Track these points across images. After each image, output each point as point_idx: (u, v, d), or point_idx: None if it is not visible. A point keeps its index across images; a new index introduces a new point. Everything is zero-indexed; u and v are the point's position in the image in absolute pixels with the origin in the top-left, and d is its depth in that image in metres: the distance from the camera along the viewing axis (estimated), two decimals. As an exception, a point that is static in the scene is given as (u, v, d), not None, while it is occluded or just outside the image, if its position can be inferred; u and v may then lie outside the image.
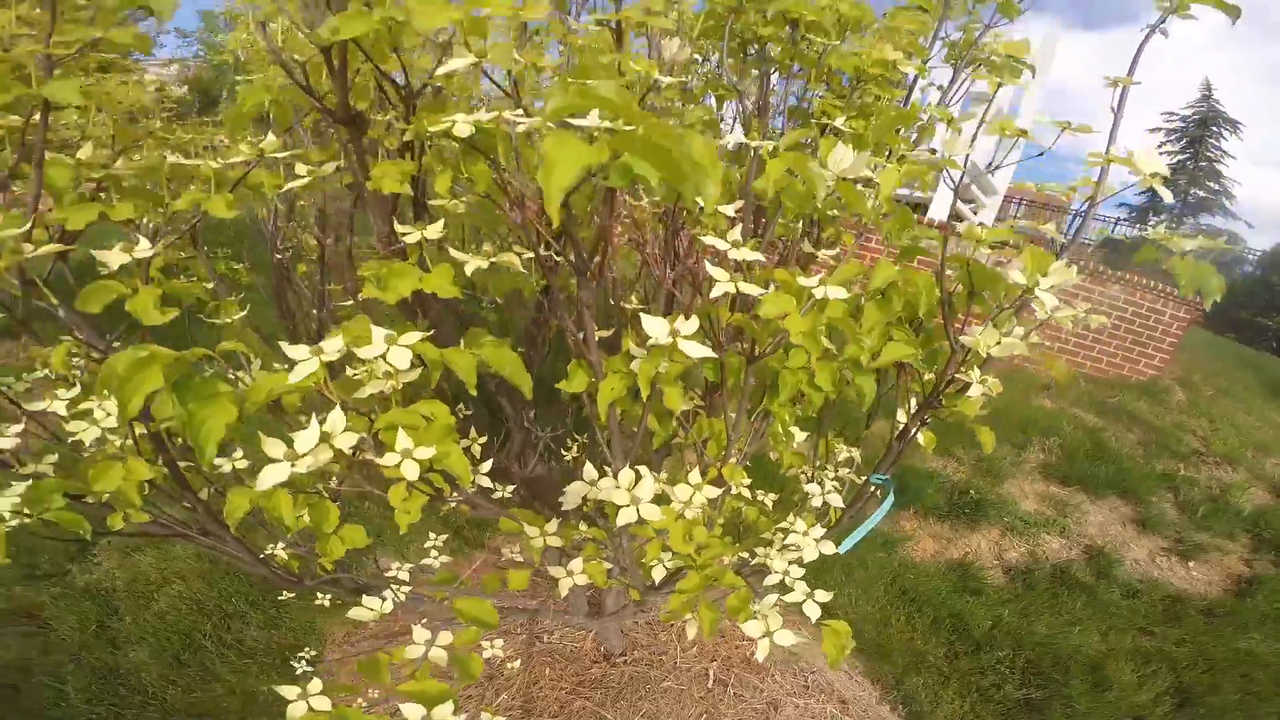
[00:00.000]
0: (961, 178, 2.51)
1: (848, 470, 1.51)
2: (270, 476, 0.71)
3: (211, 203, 0.90)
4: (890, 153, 1.18)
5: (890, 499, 1.32)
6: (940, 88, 1.79)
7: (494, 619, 0.97)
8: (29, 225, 0.83)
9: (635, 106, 0.66)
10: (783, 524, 1.26)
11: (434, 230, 0.94)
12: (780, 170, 0.97)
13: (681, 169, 0.62)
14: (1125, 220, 18.64)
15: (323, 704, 0.84)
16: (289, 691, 0.86)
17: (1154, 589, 3.35)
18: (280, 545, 1.50)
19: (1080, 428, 4.56)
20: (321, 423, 0.73)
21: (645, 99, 1.08)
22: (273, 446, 0.72)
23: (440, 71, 0.89)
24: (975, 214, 7.07)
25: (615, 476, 0.99)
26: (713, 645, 2.57)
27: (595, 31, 1.24)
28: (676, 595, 1.03)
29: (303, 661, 2.38)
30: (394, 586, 1.26)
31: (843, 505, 1.38)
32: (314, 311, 1.71)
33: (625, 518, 0.95)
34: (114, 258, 0.83)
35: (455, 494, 1.10)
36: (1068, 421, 4.60)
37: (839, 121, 1.30)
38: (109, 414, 1.03)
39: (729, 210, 1.08)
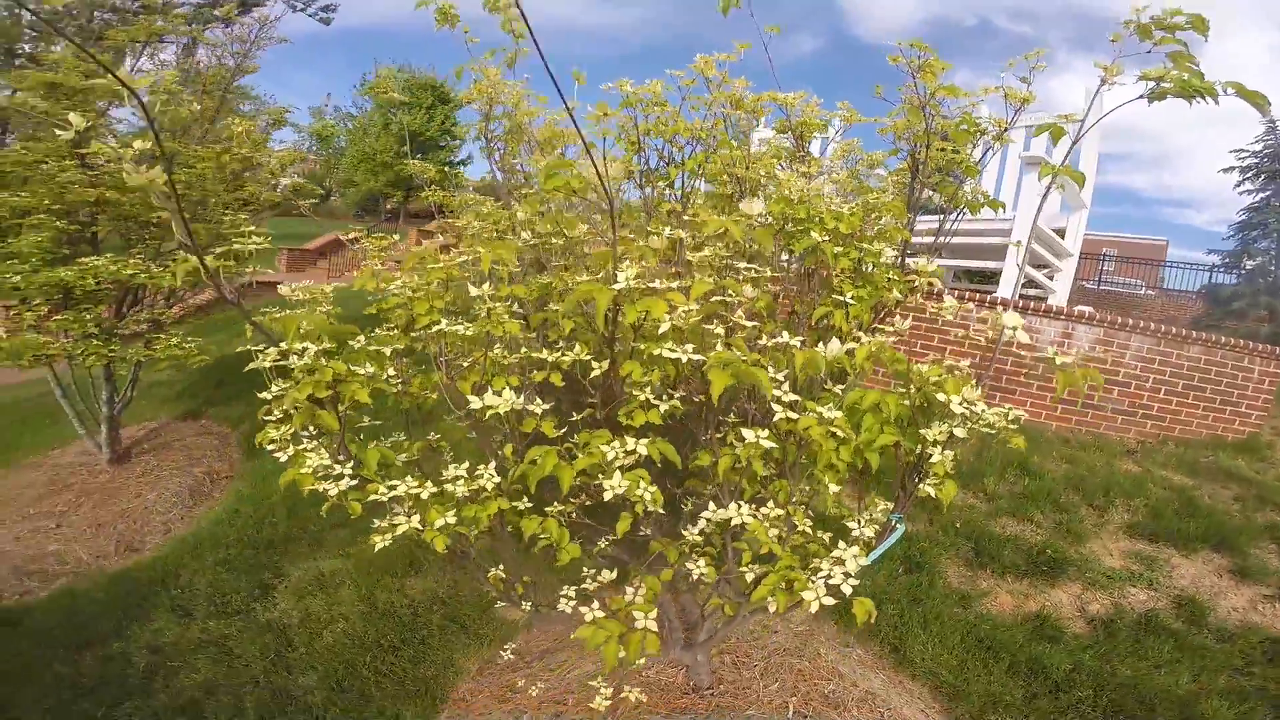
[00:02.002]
0: (1025, 247, 2.85)
1: (882, 514, 2.05)
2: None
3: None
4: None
5: (902, 528, 1.90)
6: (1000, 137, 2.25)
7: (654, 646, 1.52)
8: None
9: (745, 365, 1.49)
10: (834, 550, 1.74)
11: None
12: (804, 359, 1.68)
13: (755, 377, 1.35)
14: (1219, 267, 17.69)
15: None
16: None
17: (1252, 633, 3.29)
18: (499, 567, 2.03)
19: (1168, 488, 4.54)
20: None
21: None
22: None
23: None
24: (1051, 278, 7.15)
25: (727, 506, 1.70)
26: (793, 681, 2.82)
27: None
28: (763, 586, 1.60)
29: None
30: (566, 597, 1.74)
31: (872, 536, 1.92)
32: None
33: (736, 520, 1.64)
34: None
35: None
36: (1155, 483, 4.58)
37: (848, 296, 1.91)
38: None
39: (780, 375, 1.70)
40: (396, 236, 2.45)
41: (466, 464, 1.75)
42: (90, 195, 4.46)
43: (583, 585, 2.05)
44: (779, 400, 1.62)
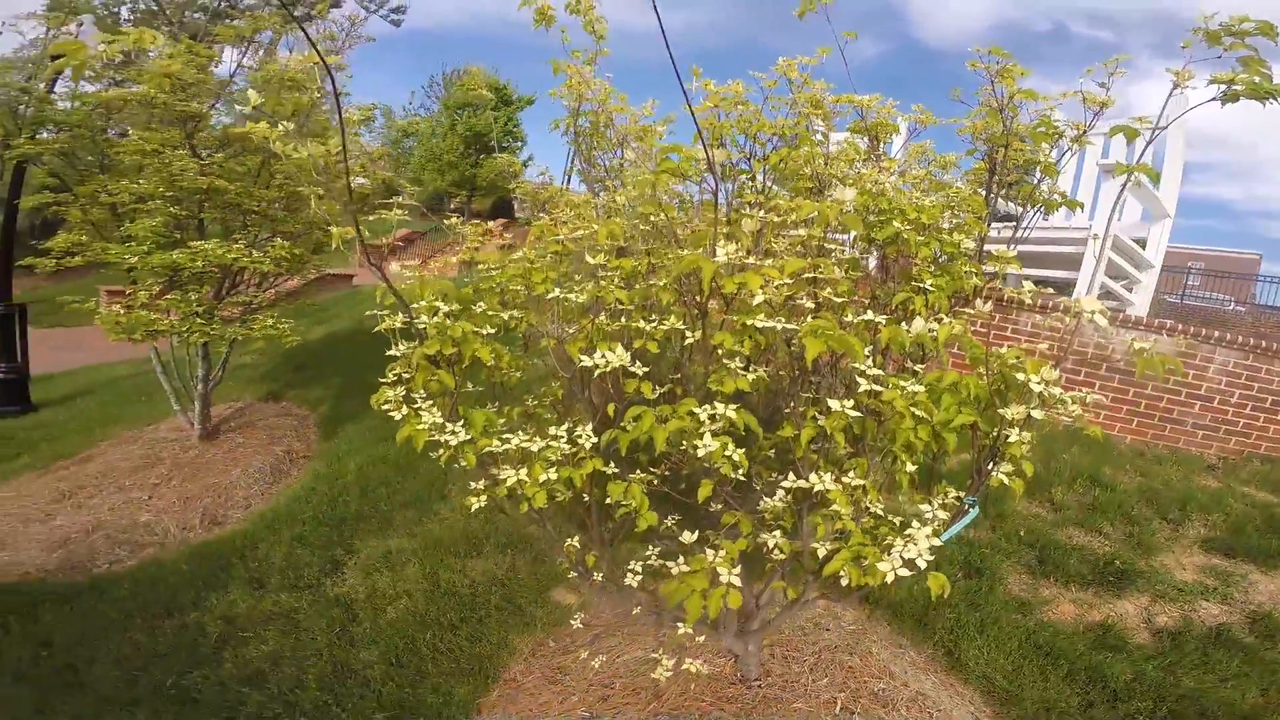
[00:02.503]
0: (1102, 255, 2.85)
1: (954, 500, 2.05)
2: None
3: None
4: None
5: (975, 510, 1.92)
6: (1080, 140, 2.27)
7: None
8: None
9: (839, 332, 1.60)
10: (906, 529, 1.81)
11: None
12: (889, 335, 1.79)
13: (848, 344, 1.50)
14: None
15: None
16: None
17: (1334, 655, 3.17)
18: (575, 538, 2.18)
19: (1251, 504, 4.36)
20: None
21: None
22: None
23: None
24: (1130, 290, 6.92)
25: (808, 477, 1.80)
26: (843, 677, 2.84)
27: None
28: (836, 560, 1.69)
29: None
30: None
31: (945, 519, 1.90)
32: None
33: (818, 487, 1.75)
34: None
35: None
36: (1235, 498, 4.41)
37: (928, 284, 1.97)
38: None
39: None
40: (491, 224, 2.64)
41: (566, 425, 1.89)
42: (201, 183, 4.81)
43: (649, 557, 2.15)
44: (863, 373, 1.70)
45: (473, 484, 1.91)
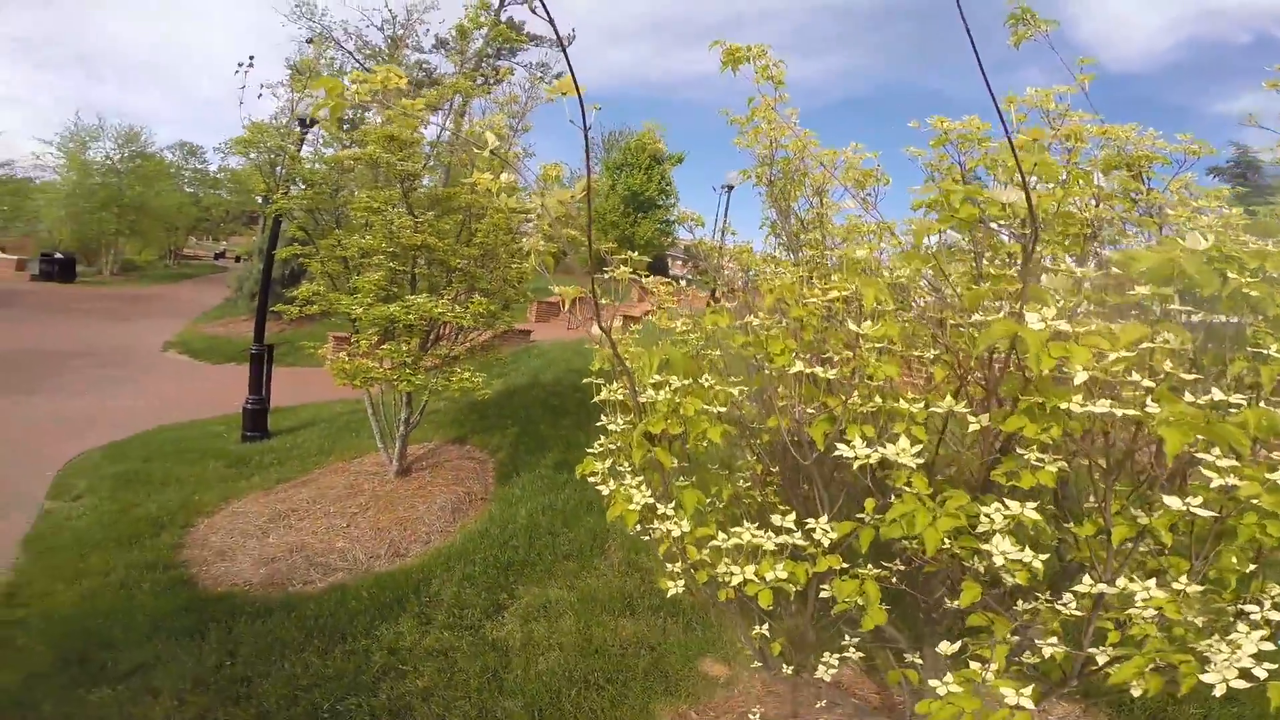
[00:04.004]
0: None
1: None
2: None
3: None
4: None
5: None
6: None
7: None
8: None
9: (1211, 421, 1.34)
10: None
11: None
12: (1255, 419, 1.39)
13: (1226, 435, 1.31)
14: None
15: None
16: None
17: None
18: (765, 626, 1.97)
19: None
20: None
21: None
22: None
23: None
24: None
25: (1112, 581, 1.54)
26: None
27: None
28: (1128, 666, 1.47)
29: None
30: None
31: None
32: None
33: (1141, 594, 1.47)
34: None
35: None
36: None
37: (1273, 349, 1.59)
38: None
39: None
40: (684, 282, 2.54)
41: (793, 515, 1.71)
42: (416, 239, 5.31)
43: (845, 648, 1.84)
44: (1212, 465, 1.39)
45: (669, 565, 1.75)
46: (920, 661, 1.98)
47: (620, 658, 3.59)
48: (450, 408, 8.32)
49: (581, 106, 1.42)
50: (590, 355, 2.11)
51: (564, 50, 1.55)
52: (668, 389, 1.70)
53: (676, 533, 1.65)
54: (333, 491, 6.14)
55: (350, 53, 25.62)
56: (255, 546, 5.16)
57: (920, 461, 1.56)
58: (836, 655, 1.88)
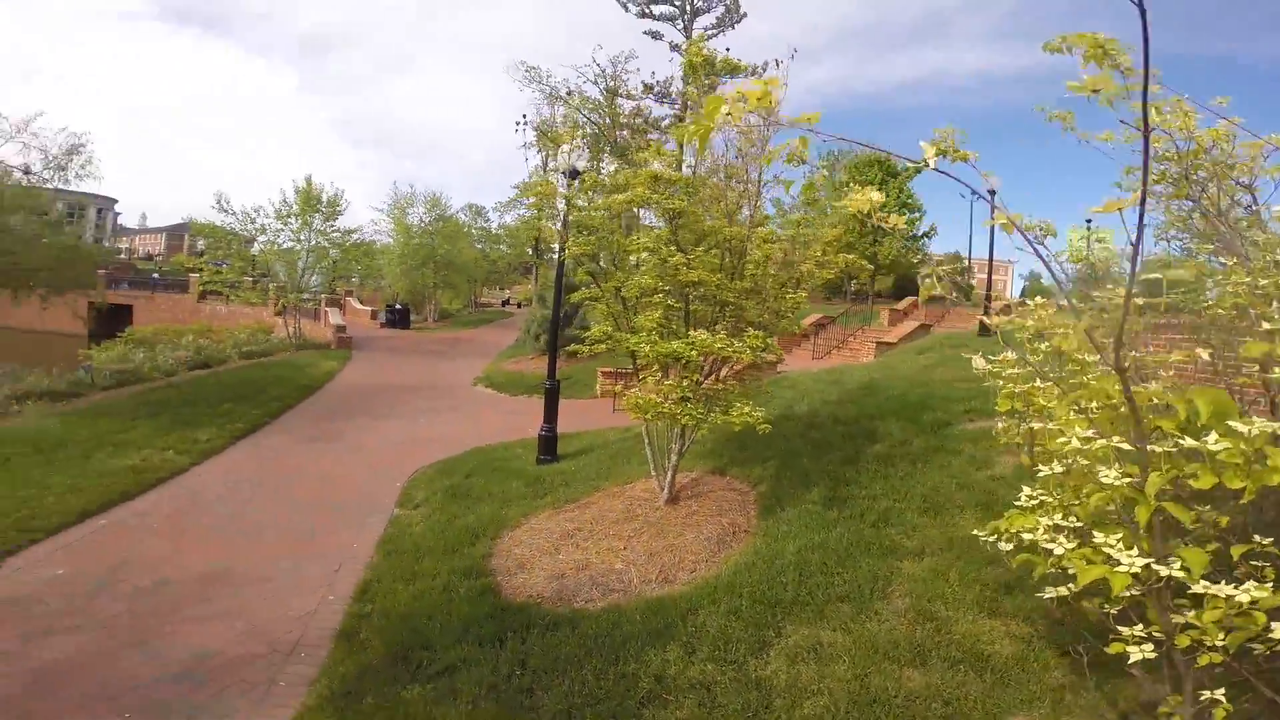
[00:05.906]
0: None
1: None
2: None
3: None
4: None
5: None
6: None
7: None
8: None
9: None
10: None
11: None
12: None
13: None
14: None
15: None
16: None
17: None
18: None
19: None
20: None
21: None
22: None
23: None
24: None
25: None
26: None
27: None
28: None
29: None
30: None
31: None
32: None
33: None
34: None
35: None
36: None
37: None
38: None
39: None
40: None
41: None
42: (691, 276, 5.59)
43: None
44: None
45: (1135, 629, 1.50)
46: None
47: (904, 709, 3.32)
48: (708, 438, 8.48)
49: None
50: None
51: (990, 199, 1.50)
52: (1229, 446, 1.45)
53: (1191, 614, 1.41)
54: (611, 515, 6.59)
55: (577, 107, 28.65)
56: (548, 562, 5.73)
57: None
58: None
